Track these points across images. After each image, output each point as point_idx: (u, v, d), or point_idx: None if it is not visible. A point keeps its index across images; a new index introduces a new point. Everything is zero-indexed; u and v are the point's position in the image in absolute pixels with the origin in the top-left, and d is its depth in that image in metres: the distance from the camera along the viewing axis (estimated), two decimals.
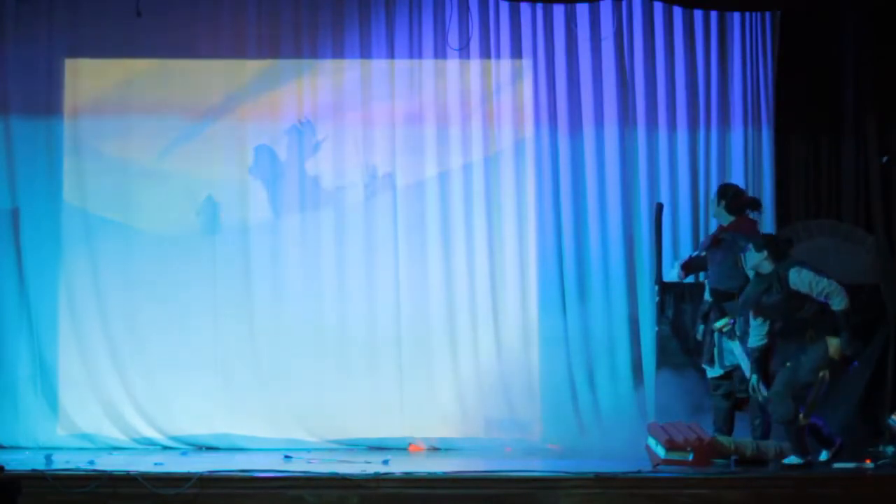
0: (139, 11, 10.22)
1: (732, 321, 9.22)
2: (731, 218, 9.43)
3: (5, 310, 10.49)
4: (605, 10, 10.66)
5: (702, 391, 9.78)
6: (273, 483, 8.23)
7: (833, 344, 8.69)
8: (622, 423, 10.35)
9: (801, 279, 8.72)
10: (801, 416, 8.75)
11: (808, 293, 8.70)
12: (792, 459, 8.70)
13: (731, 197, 9.47)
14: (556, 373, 10.54)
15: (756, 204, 9.49)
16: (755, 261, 8.87)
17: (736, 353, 9.20)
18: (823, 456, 8.82)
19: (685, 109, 10.71)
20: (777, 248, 8.88)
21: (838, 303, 8.67)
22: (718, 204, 9.52)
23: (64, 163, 10.61)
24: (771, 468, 8.76)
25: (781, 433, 8.92)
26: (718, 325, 9.28)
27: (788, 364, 8.78)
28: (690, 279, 10.16)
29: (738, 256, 9.21)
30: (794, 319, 8.77)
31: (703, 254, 9.76)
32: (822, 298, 8.69)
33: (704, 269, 9.77)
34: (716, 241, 9.49)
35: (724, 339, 9.28)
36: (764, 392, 8.86)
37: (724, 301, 9.29)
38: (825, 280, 8.71)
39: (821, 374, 8.71)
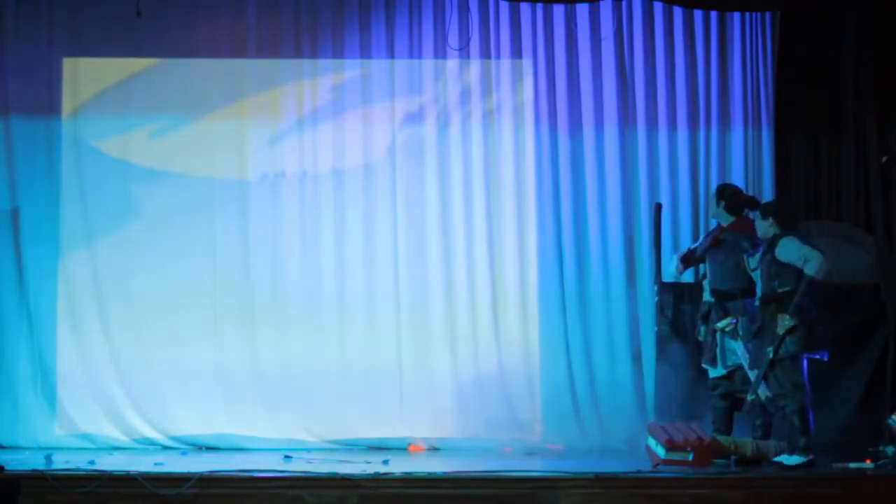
0: (139, 11, 10.20)
1: (735, 321, 9.21)
2: (732, 218, 9.43)
3: (5, 310, 10.49)
4: (605, 10, 10.66)
5: (701, 391, 9.78)
6: (273, 483, 8.23)
7: (783, 320, 8.70)
8: (622, 422, 10.36)
9: (787, 247, 8.74)
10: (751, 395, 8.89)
11: (788, 262, 8.71)
12: (795, 459, 8.68)
13: (730, 197, 9.46)
14: (556, 373, 10.55)
15: (754, 203, 9.49)
16: (762, 228, 8.91)
17: (738, 353, 9.19)
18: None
19: (685, 109, 10.71)
20: (781, 215, 8.91)
21: (812, 267, 8.67)
22: (717, 205, 9.51)
23: (63, 163, 10.62)
24: (771, 468, 8.75)
25: (783, 432, 8.93)
26: (721, 325, 9.28)
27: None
28: (689, 277, 10.18)
29: (739, 257, 9.22)
30: (769, 288, 8.79)
31: (699, 246, 9.80)
32: (800, 263, 8.69)
33: (704, 261, 9.81)
34: (716, 242, 9.48)
35: (727, 339, 9.27)
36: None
37: (725, 301, 9.28)
38: (808, 247, 8.72)
39: (767, 349, 8.74)
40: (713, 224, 10.20)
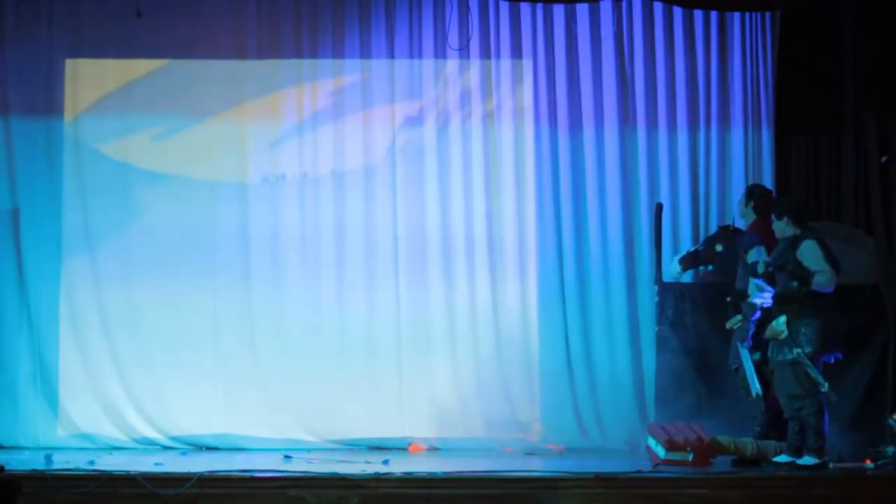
0: (139, 12, 10.23)
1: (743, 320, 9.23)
2: (755, 218, 9.44)
3: (5, 310, 10.49)
4: (605, 10, 10.66)
5: (701, 391, 9.80)
6: (273, 483, 8.24)
7: (771, 325, 8.76)
8: (622, 422, 10.37)
9: (808, 252, 8.72)
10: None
11: (807, 266, 8.70)
12: (807, 460, 8.66)
13: (759, 198, 9.49)
14: (556, 373, 10.55)
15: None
16: (779, 228, 8.89)
17: (741, 353, 9.20)
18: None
19: (685, 109, 10.71)
20: (798, 213, 8.88)
21: (818, 282, 8.67)
22: (746, 204, 9.53)
23: (64, 163, 10.62)
24: (771, 468, 8.75)
25: (783, 432, 8.94)
26: (730, 324, 9.31)
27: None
28: (689, 277, 10.20)
29: (743, 256, 9.24)
30: (787, 287, 8.78)
31: (701, 248, 9.81)
32: (812, 275, 8.72)
33: (703, 263, 9.82)
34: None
35: (735, 338, 9.30)
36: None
37: (739, 300, 9.29)
38: (826, 265, 8.70)
39: (784, 349, 8.75)
40: (714, 224, 10.30)
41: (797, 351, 8.66)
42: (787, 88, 10.62)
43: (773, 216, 8.95)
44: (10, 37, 10.58)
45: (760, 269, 8.89)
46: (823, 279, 8.68)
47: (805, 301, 8.71)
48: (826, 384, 8.64)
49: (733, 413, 9.47)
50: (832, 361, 8.86)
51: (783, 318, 8.72)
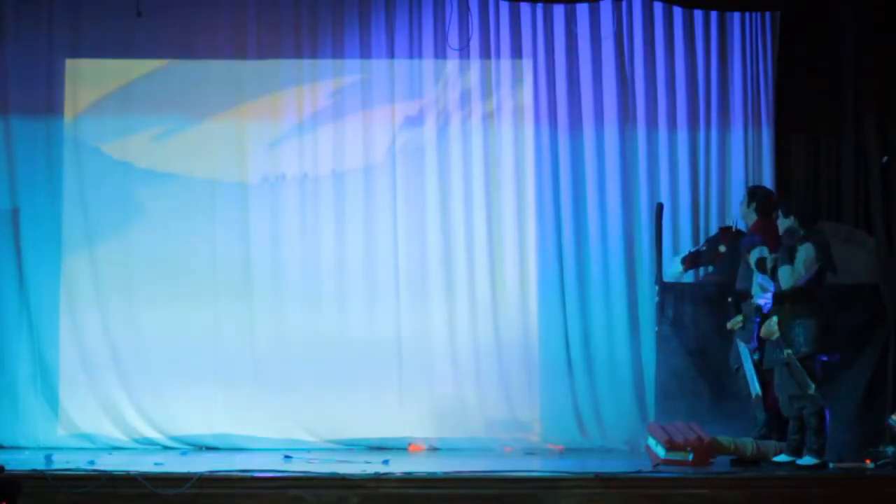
0: (139, 11, 10.24)
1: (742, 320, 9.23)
2: (757, 219, 9.46)
3: (5, 310, 10.49)
4: (605, 10, 10.67)
5: (701, 391, 9.80)
6: (273, 483, 8.24)
7: (764, 325, 8.76)
8: (622, 422, 10.37)
9: (803, 252, 8.70)
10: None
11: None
12: (807, 460, 8.65)
13: (761, 199, 9.49)
14: (556, 373, 10.55)
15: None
16: (785, 227, 8.89)
17: (742, 353, 9.20)
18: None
19: (685, 109, 10.71)
20: (803, 213, 8.89)
21: (783, 280, 8.67)
22: (748, 206, 9.53)
23: (64, 163, 10.62)
24: (771, 468, 8.75)
25: (783, 432, 8.94)
26: (730, 324, 9.31)
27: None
28: (690, 277, 10.20)
29: (745, 257, 9.25)
30: (777, 288, 8.78)
31: (703, 248, 9.83)
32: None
33: (704, 264, 9.83)
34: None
35: (736, 337, 9.29)
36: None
37: (741, 301, 9.30)
38: (801, 267, 8.68)
39: (778, 349, 8.75)
40: (714, 225, 10.30)
41: (787, 352, 8.66)
42: (787, 88, 10.63)
43: (780, 213, 8.95)
44: (10, 37, 10.59)
45: (770, 263, 8.89)
46: (789, 279, 8.67)
47: (798, 301, 8.70)
48: (813, 385, 8.64)
49: (733, 413, 9.47)
50: (836, 360, 8.86)
51: (775, 318, 8.73)
